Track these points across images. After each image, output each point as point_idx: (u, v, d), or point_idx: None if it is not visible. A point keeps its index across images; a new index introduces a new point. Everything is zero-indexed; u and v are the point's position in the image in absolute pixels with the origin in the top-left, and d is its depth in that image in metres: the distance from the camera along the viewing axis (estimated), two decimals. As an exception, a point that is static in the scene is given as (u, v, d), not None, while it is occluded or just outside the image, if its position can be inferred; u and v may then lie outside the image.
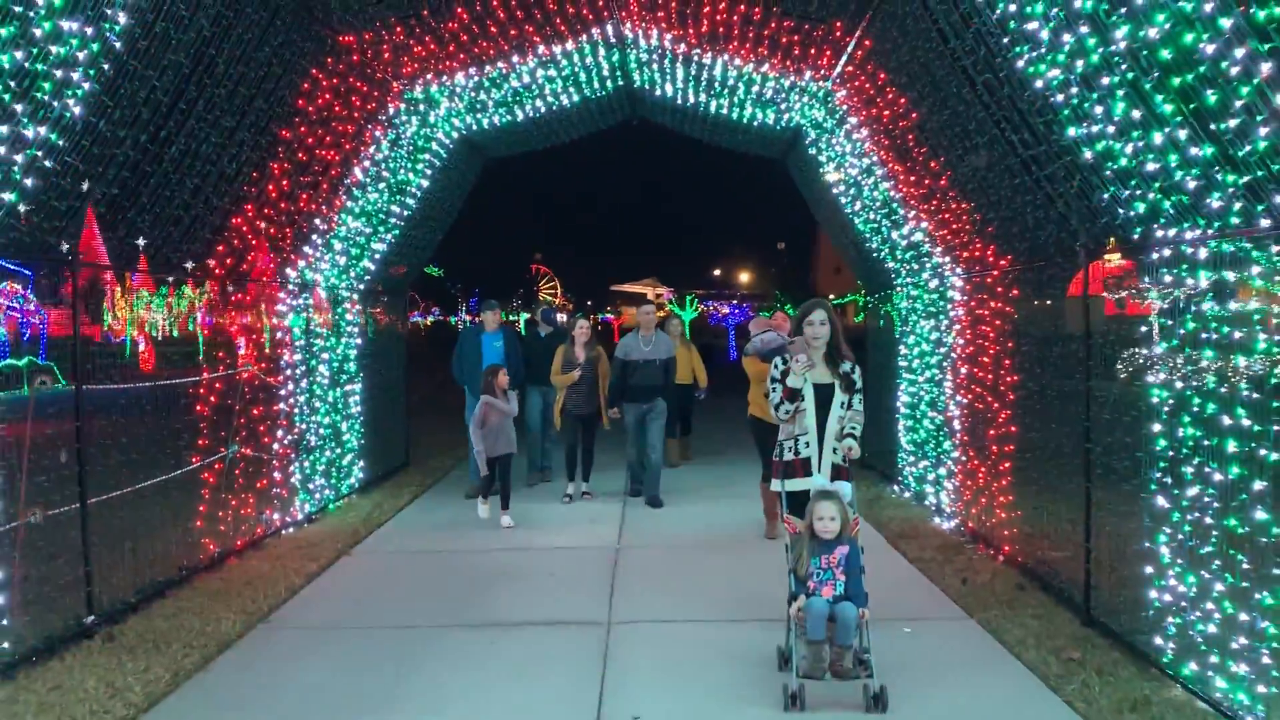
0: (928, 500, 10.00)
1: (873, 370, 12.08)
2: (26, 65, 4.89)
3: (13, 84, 4.86)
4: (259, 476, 8.88)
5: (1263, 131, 3.99)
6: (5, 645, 5.59)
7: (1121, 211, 5.41)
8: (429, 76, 9.39)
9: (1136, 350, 5.63)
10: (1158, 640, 5.45)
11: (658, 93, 11.37)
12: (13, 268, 25.45)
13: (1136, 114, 4.73)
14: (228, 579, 7.73)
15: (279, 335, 9.18)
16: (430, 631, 6.48)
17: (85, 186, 5.69)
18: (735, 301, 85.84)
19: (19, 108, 4.97)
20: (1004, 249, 7.55)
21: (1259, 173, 4.17)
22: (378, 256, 11.17)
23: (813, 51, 8.64)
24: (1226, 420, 4.73)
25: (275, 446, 9.10)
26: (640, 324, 10.60)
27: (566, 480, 10.86)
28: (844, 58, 8.59)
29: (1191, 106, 4.34)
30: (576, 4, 8.35)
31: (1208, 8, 3.92)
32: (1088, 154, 5.39)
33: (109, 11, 5.20)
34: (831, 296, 14.27)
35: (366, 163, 9.59)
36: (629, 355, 10.42)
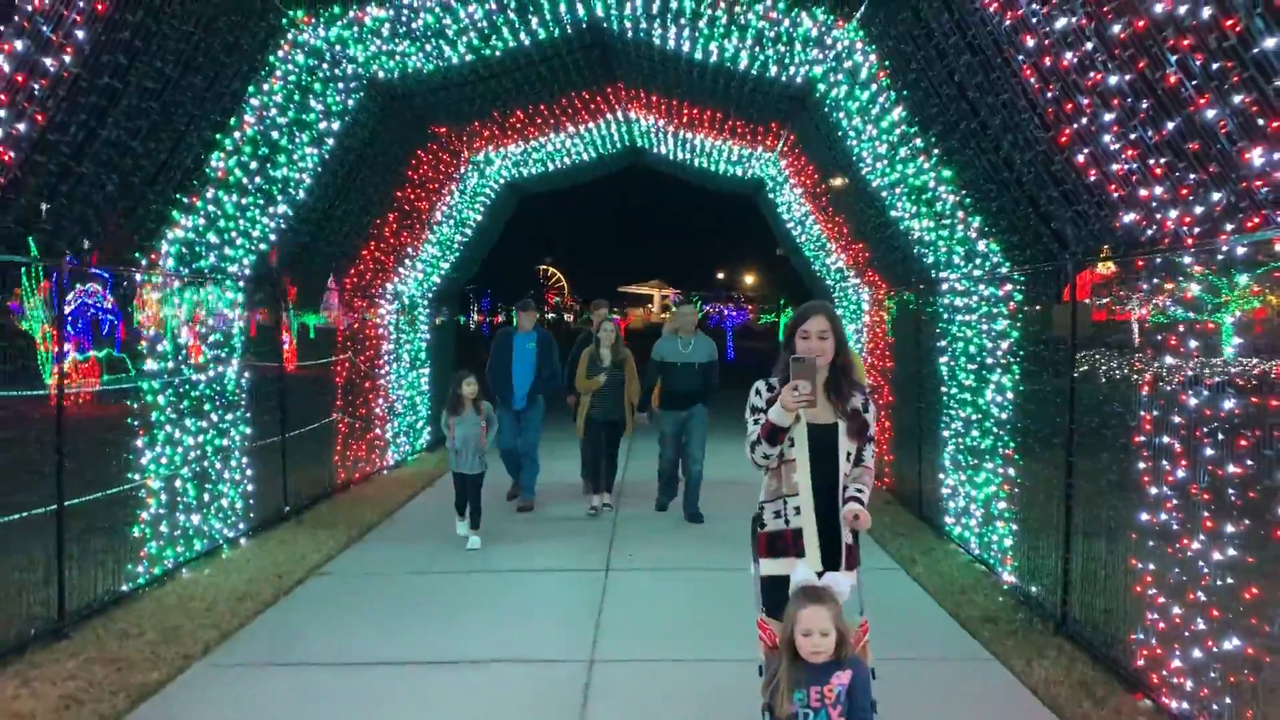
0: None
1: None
2: (294, 176, 8.63)
3: (279, 188, 8.59)
4: (367, 432, 12.58)
5: (959, 231, 7.70)
6: (253, 515, 9.26)
7: (927, 260, 9.11)
8: (490, 147, 13.14)
9: (941, 347, 9.18)
10: (945, 518, 9.12)
11: (655, 151, 15.12)
12: (96, 272, 29.01)
13: (912, 208, 8.44)
14: (358, 495, 11.43)
15: (380, 330, 12.88)
16: (493, 518, 10.08)
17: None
18: (734, 305, 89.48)
19: (279, 196, 8.69)
20: (884, 277, 11.25)
21: (967, 248, 7.88)
22: (443, 272, 14.91)
23: (761, 134, 12.36)
24: (960, 393, 8.42)
25: (377, 411, 12.80)
26: (679, 325, 9.89)
27: (590, 491, 10.52)
28: (781, 142, 12.33)
29: (934, 209, 8.05)
30: (596, 103, 12.09)
31: (927, 164, 7.63)
32: (903, 225, 9.11)
33: (327, 141, 8.94)
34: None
35: (443, 207, 13.32)
36: (665, 358, 9.76)
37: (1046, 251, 6.49)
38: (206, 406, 8.39)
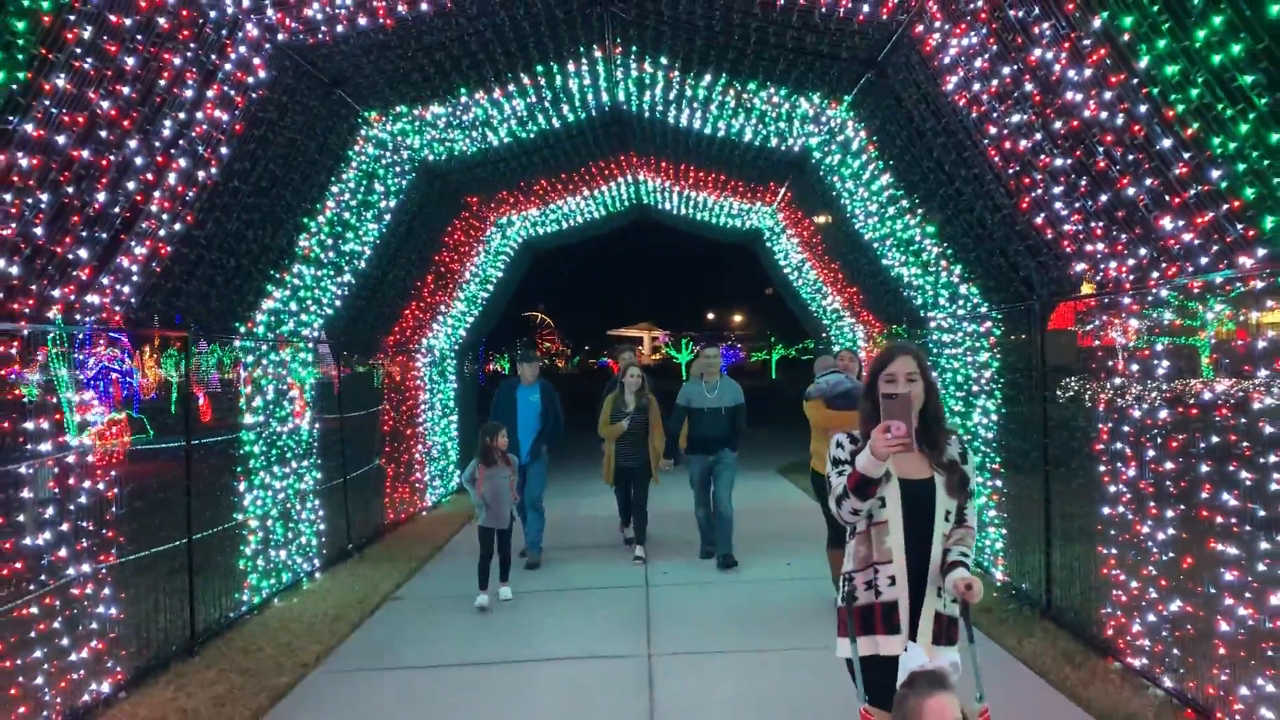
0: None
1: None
2: (358, 249, 9.84)
3: (346, 260, 9.79)
4: (410, 475, 13.68)
5: (943, 277, 8.94)
6: (325, 551, 10.33)
7: (915, 302, 10.34)
8: (513, 211, 14.41)
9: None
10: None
11: (660, 206, 16.42)
12: (114, 335, 30.16)
13: (900, 259, 9.69)
14: (406, 534, 12.51)
15: (417, 381, 14.03)
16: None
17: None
18: (728, 343, 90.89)
19: (345, 267, 9.89)
20: (876, 317, 12.49)
21: (951, 290, 9.11)
22: (468, 326, 16.11)
23: (759, 194, 13.66)
24: (951, 417, 9.60)
25: (416, 456, 13.91)
26: (703, 370, 9.86)
27: (625, 530, 10.76)
28: (778, 198, 13.64)
29: (921, 259, 9.29)
30: (609, 169, 13.40)
31: (913, 221, 8.89)
32: (894, 273, 10.35)
33: (385, 217, 10.16)
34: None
35: (471, 266, 14.56)
36: (691, 403, 9.74)
37: (1017, 293, 7.72)
38: (287, 455, 9.50)
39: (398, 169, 10.10)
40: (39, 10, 4.45)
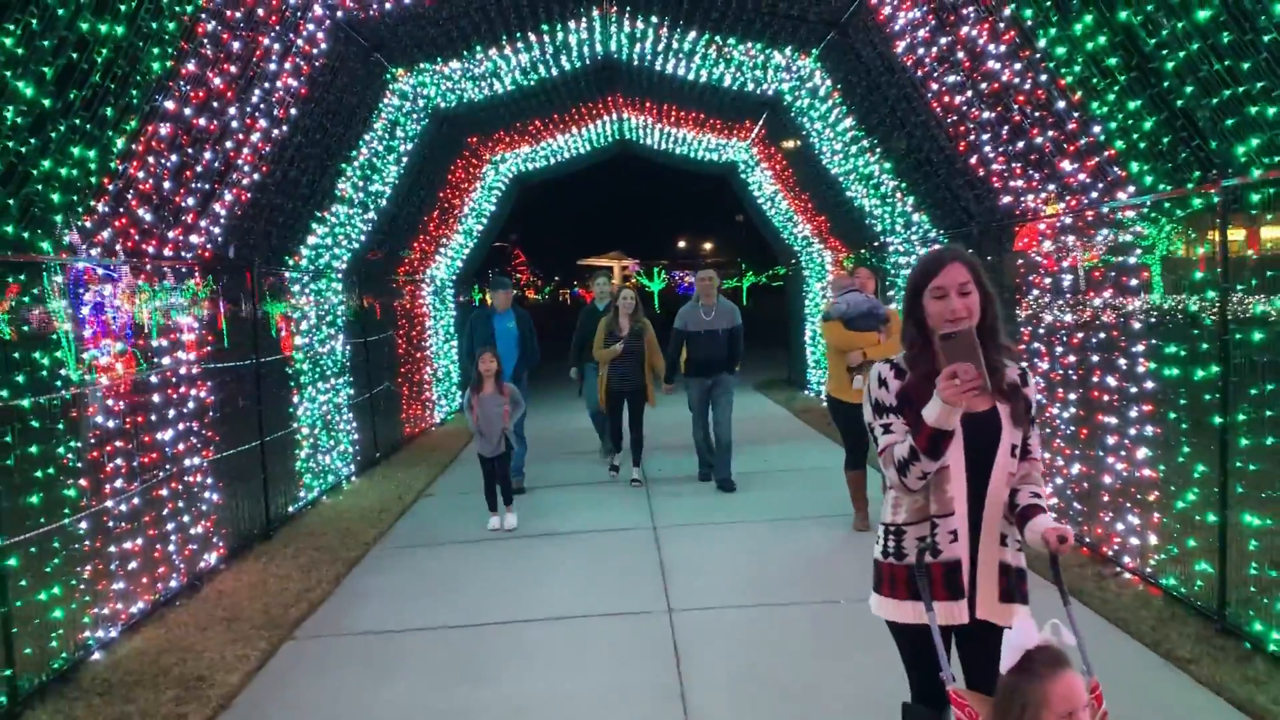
0: (823, 395, 16.37)
1: (795, 316, 18.35)
2: (381, 189, 11.06)
3: (372, 198, 11.01)
4: (421, 394, 15.04)
5: (899, 207, 10.32)
6: (359, 458, 11.72)
7: (876, 229, 11.73)
8: (507, 149, 15.59)
9: (889, 296, 11.85)
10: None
11: (641, 141, 17.62)
12: (103, 271, 30.91)
13: (862, 191, 11.06)
14: (423, 444, 13.92)
15: (423, 309, 15.32)
16: (539, 459, 12.66)
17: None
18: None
19: (370, 205, 11.12)
20: (842, 242, 13.89)
21: (905, 218, 10.49)
22: (465, 257, 17.36)
23: (735, 130, 14.90)
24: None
25: (426, 377, 15.26)
26: (700, 292, 9.87)
27: (613, 453, 10.83)
28: (752, 135, 14.90)
29: (880, 191, 10.66)
30: (597, 109, 14.58)
31: (873, 159, 10.24)
32: (857, 203, 11.73)
33: (403, 160, 11.37)
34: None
35: (469, 202, 15.76)
36: (688, 326, 9.76)
37: (959, 221, 9.13)
38: (327, 373, 10.83)
39: (414, 116, 11.27)
40: (184, 13, 5.65)
